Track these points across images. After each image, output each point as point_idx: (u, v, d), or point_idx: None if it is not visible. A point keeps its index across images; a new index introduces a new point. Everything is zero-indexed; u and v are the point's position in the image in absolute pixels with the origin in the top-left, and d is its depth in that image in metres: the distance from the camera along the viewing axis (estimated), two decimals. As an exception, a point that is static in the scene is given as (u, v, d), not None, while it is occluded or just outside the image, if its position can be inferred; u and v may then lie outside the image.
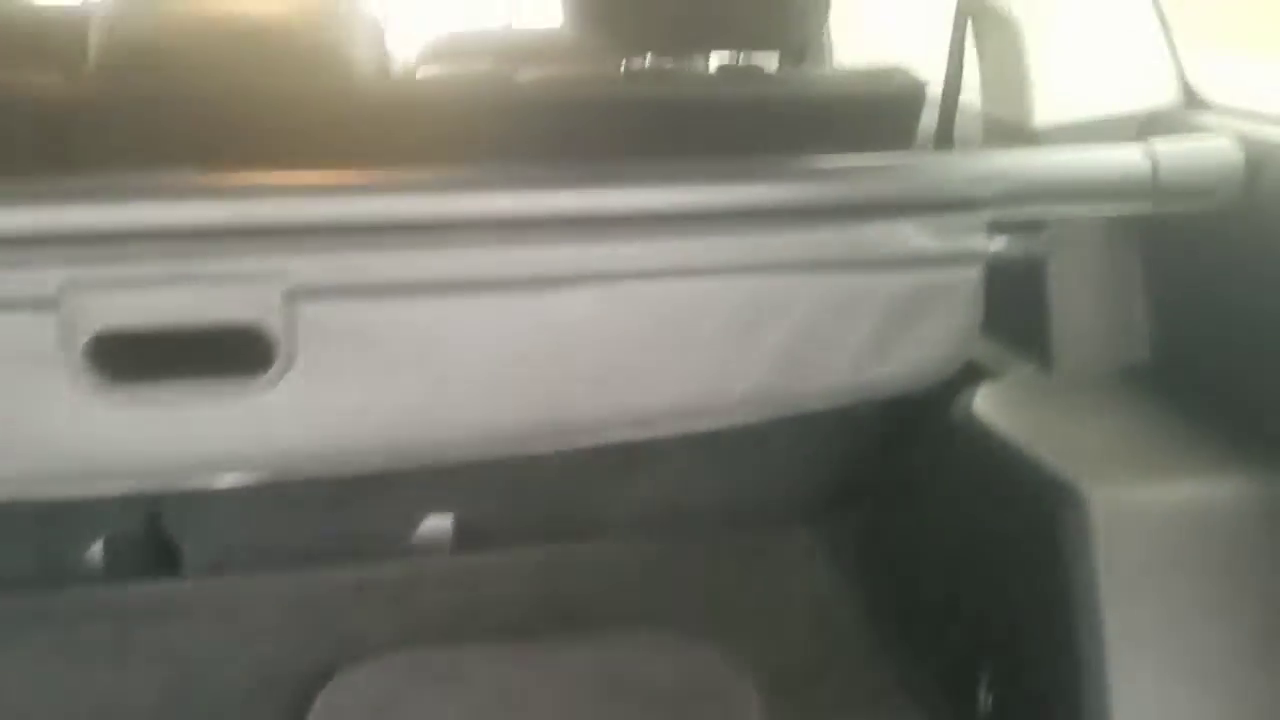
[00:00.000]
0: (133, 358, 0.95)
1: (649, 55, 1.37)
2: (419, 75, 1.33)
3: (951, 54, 1.39)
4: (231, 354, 0.97)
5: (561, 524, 1.58)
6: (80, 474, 0.99)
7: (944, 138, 1.39)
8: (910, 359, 1.09)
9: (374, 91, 1.26)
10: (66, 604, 1.46)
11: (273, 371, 0.96)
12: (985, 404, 1.25)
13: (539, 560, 1.57)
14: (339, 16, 1.27)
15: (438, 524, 1.55)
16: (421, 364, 1.00)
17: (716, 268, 1.04)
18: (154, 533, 1.50)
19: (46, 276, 0.91)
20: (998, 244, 1.07)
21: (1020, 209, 1.08)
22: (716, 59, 1.58)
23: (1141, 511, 1.07)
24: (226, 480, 1.10)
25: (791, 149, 1.19)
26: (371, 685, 1.29)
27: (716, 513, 1.59)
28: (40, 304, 0.91)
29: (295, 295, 0.95)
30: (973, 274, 1.08)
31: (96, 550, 1.50)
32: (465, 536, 1.57)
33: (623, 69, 1.34)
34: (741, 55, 1.59)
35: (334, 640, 1.44)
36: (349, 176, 0.98)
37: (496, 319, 1.02)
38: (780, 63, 1.44)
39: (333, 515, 1.51)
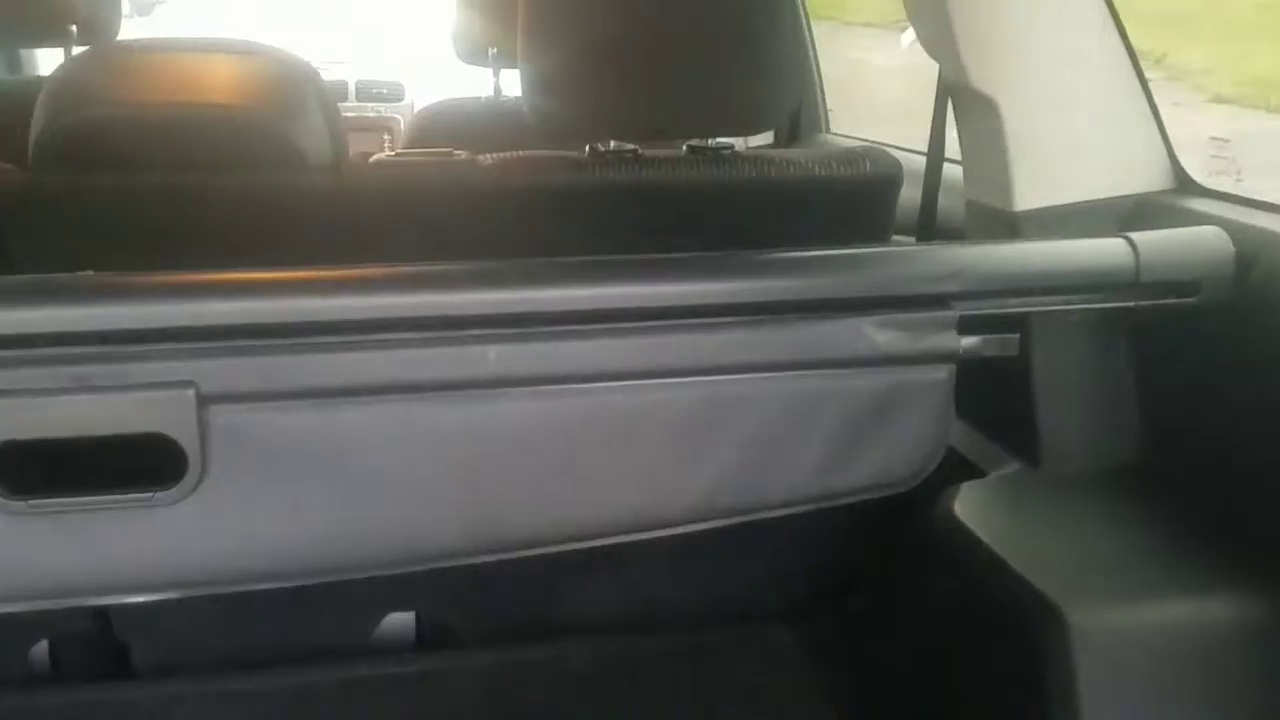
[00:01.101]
0: (37, 467, 0.89)
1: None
2: (372, 159, 1.28)
3: (933, 134, 1.34)
4: (144, 462, 0.91)
5: (527, 623, 1.51)
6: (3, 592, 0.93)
7: (925, 223, 1.33)
8: (877, 463, 1.02)
9: (326, 184, 1.21)
10: (9, 708, 1.39)
11: (185, 483, 0.90)
12: (968, 504, 1.17)
13: (504, 661, 1.49)
14: (291, 103, 1.23)
15: (399, 622, 1.48)
16: (345, 473, 0.94)
17: (666, 369, 0.98)
18: (102, 633, 1.43)
19: None
20: (969, 342, 1.01)
21: (992, 304, 1.01)
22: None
23: (1128, 634, 0.98)
24: (138, 598, 1.03)
25: (763, 232, 1.13)
26: None
27: (690, 611, 1.52)
28: None
29: (207, 402, 0.89)
30: (942, 374, 1.01)
31: (42, 650, 1.44)
32: (429, 635, 1.50)
33: (586, 151, 1.29)
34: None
35: None
36: (267, 276, 0.93)
37: (426, 425, 0.96)
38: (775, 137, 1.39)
39: (288, 613, 1.45)
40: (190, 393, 0.88)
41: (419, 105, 2.75)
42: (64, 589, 0.94)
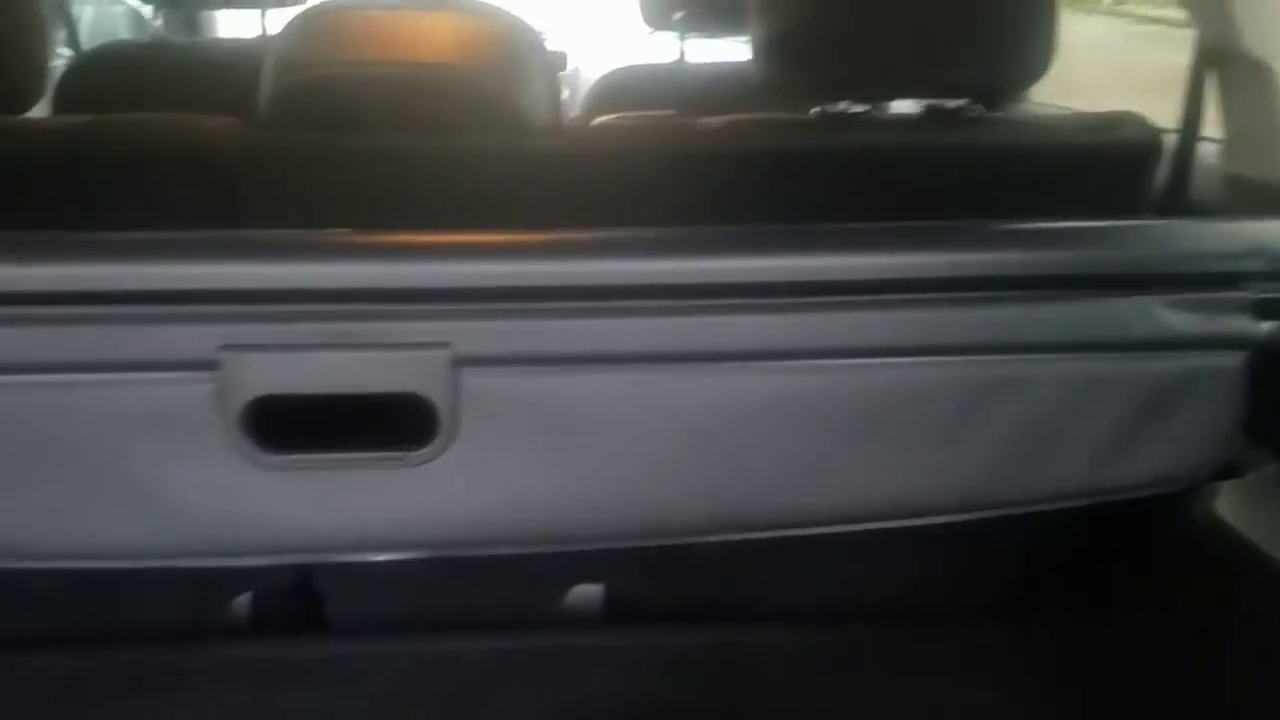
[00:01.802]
0: (287, 423, 0.88)
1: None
2: (594, 122, 1.24)
3: (1188, 103, 1.23)
4: (390, 423, 0.89)
5: (718, 605, 1.46)
6: (229, 546, 0.93)
7: (1177, 199, 1.23)
8: (1157, 457, 0.94)
9: (548, 146, 1.18)
10: (208, 660, 1.40)
11: (434, 445, 0.88)
12: (1231, 504, 1.08)
13: (691, 642, 1.45)
14: (515, 65, 1.20)
15: (587, 594, 1.46)
16: (589, 440, 0.91)
17: (930, 346, 0.91)
18: (303, 588, 1.44)
19: (206, 336, 0.85)
20: (1267, 327, 0.91)
21: None
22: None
23: None
24: (379, 557, 1.02)
25: (1005, 202, 1.05)
26: None
27: (891, 603, 1.45)
28: (198, 365, 0.85)
29: (461, 364, 0.86)
30: (1234, 361, 0.92)
31: (244, 603, 1.45)
32: (615, 610, 1.47)
33: (815, 113, 1.22)
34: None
35: (481, 713, 1.35)
36: (521, 239, 0.90)
37: (673, 395, 0.92)
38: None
39: (483, 580, 1.44)
40: (446, 353, 0.86)
41: (583, 73, 2.72)
42: (309, 545, 0.93)
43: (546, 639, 1.44)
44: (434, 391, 0.86)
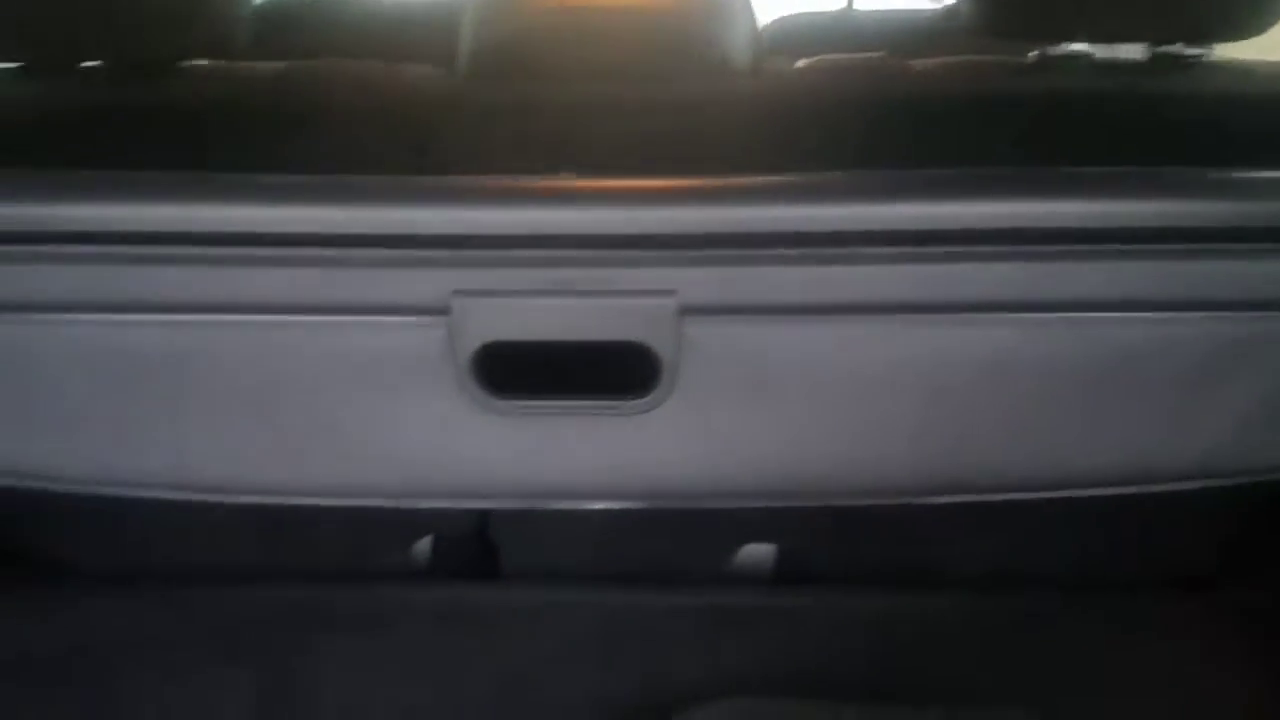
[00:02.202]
0: (510, 369, 0.87)
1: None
2: (798, 64, 1.20)
3: None
4: (610, 371, 0.88)
5: (894, 570, 1.43)
6: (452, 489, 0.94)
7: None
8: None
9: (752, 89, 1.14)
10: (384, 602, 1.43)
11: (656, 394, 0.86)
12: None
13: (865, 607, 1.41)
14: (716, 5, 1.17)
15: (758, 553, 1.44)
16: (812, 393, 0.88)
17: (1178, 300, 0.86)
18: (480, 534, 1.46)
19: (440, 281, 0.85)
20: None
21: None
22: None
23: None
24: (595, 505, 1.01)
25: (1236, 155, 0.98)
26: None
27: (1080, 574, 1.39)
28: (430, 310, 0.85)
29: (686, 312, 0.85)
30: None
31: (424, 547, 1.48)
32: (786, 571, 1.45)
33: (1034, 56, 1.16)
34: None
35: (652, 663, 1.35)
36: (750, 182, 0.87)
37: (901, 348, 0.88)
38: None
39: (656, 532, 1.43)
40: (671, 301, 0.84)
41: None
42: (528, 490, 0.93)
43: (717, 597, 1.43)
44: (658, 340, 0.85)
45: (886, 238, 0.85)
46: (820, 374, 0.87)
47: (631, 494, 0.95)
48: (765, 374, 0.87)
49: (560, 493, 0.95)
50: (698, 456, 0.89)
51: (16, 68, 1.17)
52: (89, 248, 0.86)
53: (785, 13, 2.15)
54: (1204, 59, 1.14)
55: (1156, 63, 1.14)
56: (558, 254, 0.84)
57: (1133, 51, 1.15)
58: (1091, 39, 1.13)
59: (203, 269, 0.87)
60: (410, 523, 1.46)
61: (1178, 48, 1.14)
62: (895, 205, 0.86)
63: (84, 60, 1.16)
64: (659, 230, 0.84)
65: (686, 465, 0.90)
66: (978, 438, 0.91)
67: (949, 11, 1.26)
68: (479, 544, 1.47)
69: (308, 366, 0.89)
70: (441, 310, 0.85)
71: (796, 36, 2.00)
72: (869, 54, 1.19)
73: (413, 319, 0.86)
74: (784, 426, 0.89)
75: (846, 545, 1.42)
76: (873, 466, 0.92)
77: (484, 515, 1.44)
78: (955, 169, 0.90)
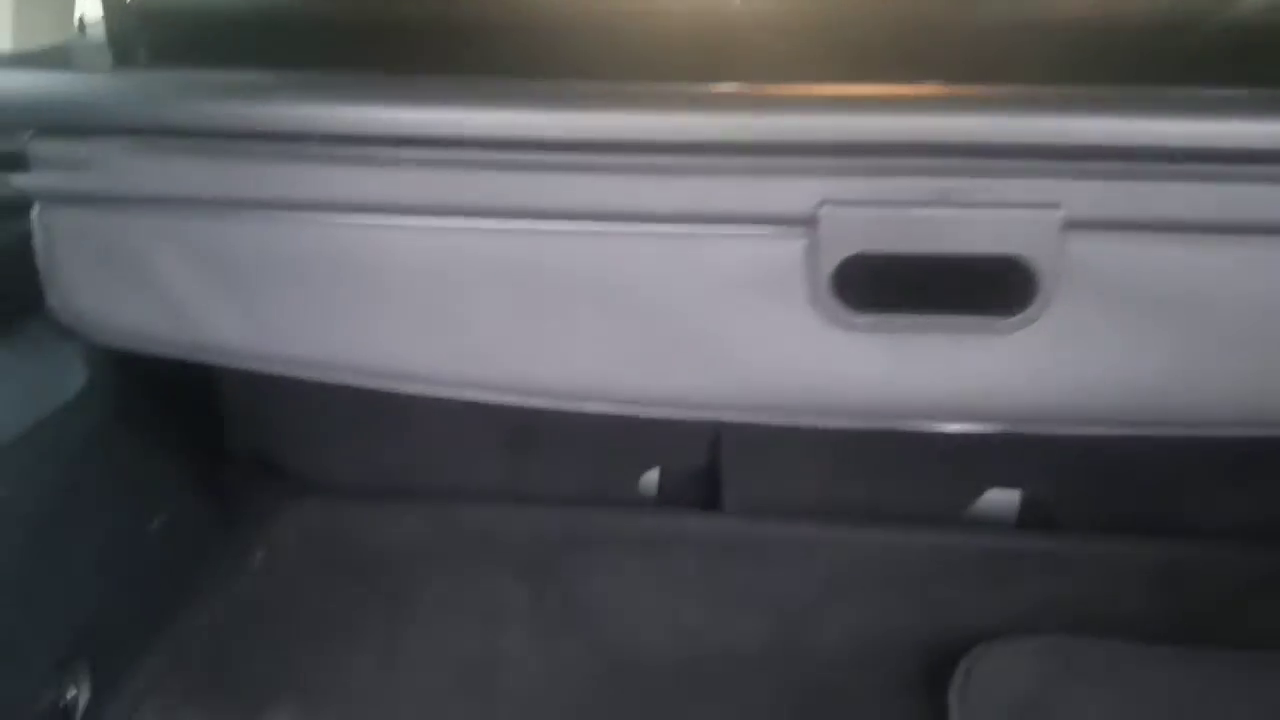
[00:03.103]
0: (871, 283, 0.85)
1: None
2: None
3: None
4: (974, 287, 0.84)
5: (1140, 518, 1.39)
6: (801, 406, 0.91)
7: None
8: None
9: None
10: (611, 527, 1.43)
11: (1029, 311, 0.83)
12: None
13: (1106, 553, 1.38)
14: None
15: (1003, 498, 1.41)
16: (1199, 318, 0.84)
17: None
18: (709, 467, 1.45)
19: (808, 190, 0.82)
20: None
21: None
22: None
23: None
24: (951, 427, 0.98)
25: None
26: (1011, 667, 1.15)
27: None
28: (795, 220, 0.83)
29: (1070, 226, 0.81)
30: None
31: (652, 478, 1.47)
32: (1029, 517, 1.42)
33: None
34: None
35: (923, 603, 1.33)
36: (1133, 93, 0.83)
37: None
38: None
39: (895, 472, 1.41)
40: (1056, 215, 0.80)
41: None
42: (886, 410, 0.90)
43: (952, 538, 1.40)
44: (1038, 255, 0.81)
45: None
46: (1211, 297, 0.83)
47: (994, 416, 0.92)
48: (1149, 294, 0.83)
49: (920, 413, 0.92)
50: (1068, 379, 0.86)
51: None
52: (444, 152, 0.84)
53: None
54: None
55: None
56: (937, 163, 0.81)
57: None
58: None
59: (553, 175, 0.85)
60: (640, 453, 1.46)
61: None
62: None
63: None
64: (1043, 140, 0.81)
65: (1056, 388, 0.86)
66: None
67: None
68: (708, 477, 1.46)
69: (660, 276, 0.86)
70: (807, 220, 0.82)
71: None
72: None
73: (773, 229, 0.84)
74: (1165, 350, 0.85)
75: (1090, 492, 1.39)
76: (1258, 399, 0.88)
77: (715, 450, 1.43)
78: None
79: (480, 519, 1.39)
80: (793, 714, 1.13)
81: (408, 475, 1.46)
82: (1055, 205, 0.80)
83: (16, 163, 0.92)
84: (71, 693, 1.03)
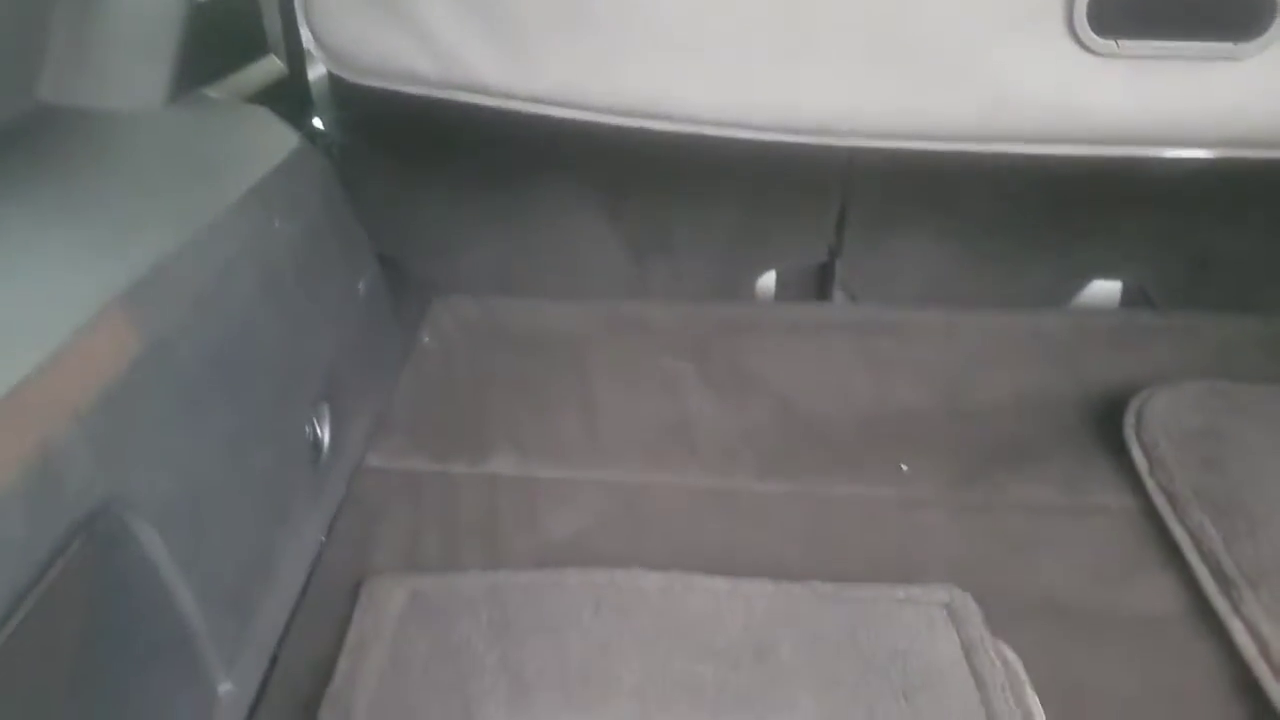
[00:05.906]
0: (1119, 14, 0.94)
1: None
2: None
3: None
4: (1217, 16, 0.93)
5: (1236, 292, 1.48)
6: (1050, 131, 1.00)
7: None
8: None
9: None
10: (728, 317, 1.49)
11: (1269, 35, 0.92)
12: None
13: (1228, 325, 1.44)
14: None
15: (1105, 288, 1.53)
16: None
17: None
18: (822, 268, 1.53)
19: None
20: None
21: None
22: None
23: None
24: (1196, 153, 1.06)
25: None
26: (1179, 406, 1.23)
27: None
28: None
29: None
30: None
31: (769, 280, 1.55)
32: (1131, 300, 1.52)
33: None
34: None
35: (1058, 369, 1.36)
36: None
37: None
38: None
39: (999, 263, 1.52)
40: None
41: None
42: (1133, 136, 0.99)
43: (1063, 320, 1.47)
44: None
45: None
46: None
47: (1235, 141, 0.99)
48: None
49: (1164, 139, 1.00)
50: None
51: None
52: None
53: None
54: None
55: None
56: None
57: None
58: None
59: None
60: (757, 261, 1.53)
61: None
62: None
63: None
64: None
65: None
66: None
67: None
68: (820, 274, 1.54)
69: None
70: None
71: None
72: None
73: None
74: None
75: (1183, 277, 1.49)
76: None
77: (836, 247, 1.50)
78: None
79: (623, 311, 1.46)
80: (975, 457, 1.18)
81: (537, 279, 1.53)
82: None
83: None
84: (319, 430, 1.08)
